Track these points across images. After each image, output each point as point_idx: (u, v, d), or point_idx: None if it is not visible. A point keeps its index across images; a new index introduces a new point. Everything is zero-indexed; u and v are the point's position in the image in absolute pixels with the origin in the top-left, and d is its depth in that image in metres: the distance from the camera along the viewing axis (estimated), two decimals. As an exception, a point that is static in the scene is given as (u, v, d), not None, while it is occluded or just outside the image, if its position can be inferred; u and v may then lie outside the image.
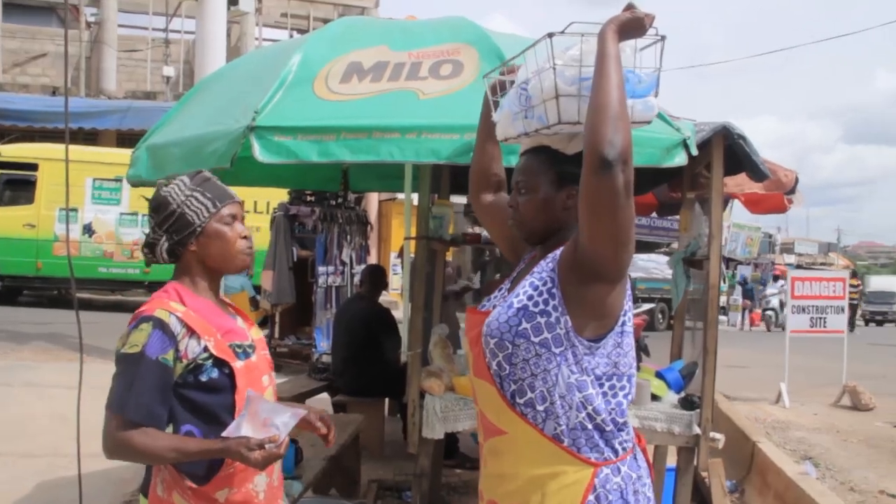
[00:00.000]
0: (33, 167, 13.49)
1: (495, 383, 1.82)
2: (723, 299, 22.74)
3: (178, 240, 2.00)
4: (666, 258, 21.25)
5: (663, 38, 1.84)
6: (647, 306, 10.03)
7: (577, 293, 1.75)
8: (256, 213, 12.54)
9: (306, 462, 4.08)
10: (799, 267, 29.60)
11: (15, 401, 6.98)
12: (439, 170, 3.97)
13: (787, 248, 38.57)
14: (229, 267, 2.06)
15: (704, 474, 4.98)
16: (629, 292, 1.83)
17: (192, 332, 1.93)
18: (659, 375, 4.19)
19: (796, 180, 4.90)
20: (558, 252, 1.84)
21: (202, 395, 1.95)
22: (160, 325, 1.89)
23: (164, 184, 2.06)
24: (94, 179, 13.36)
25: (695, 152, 3.39)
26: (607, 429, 1.79)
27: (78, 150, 12.99)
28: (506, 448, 1.85)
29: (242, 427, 1.89)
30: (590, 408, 1.77)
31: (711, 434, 6.18)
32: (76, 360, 8.87)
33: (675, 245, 23.46)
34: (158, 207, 2.02)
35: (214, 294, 2.09)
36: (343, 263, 8.12)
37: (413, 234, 3.92)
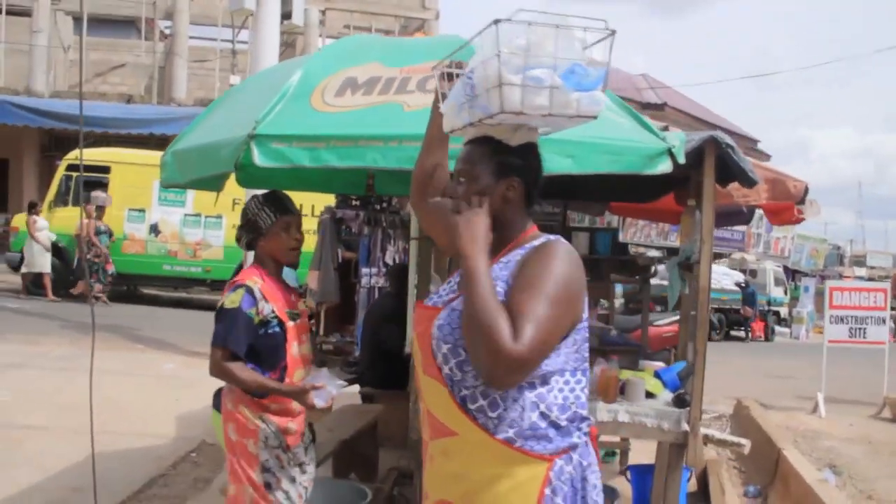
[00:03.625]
0: (106, 170, 14.29)
1: (447, 385, 1.79)
2: (783, 311, 22.31)
3: (252, 237, 2.97)
4: (724, 268, 21.04)
5: (613, 32, 1.80)
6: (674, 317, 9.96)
7: None
8: (301, 215, 12.77)
9: (319, 445, 4.41)
10: (870, 280, 28.73)
11: (74, 384, 7.52)
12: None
13: (859, 261, 37.38)
14: (282, 259, 3.00)
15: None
16: (585, 296, 1.83)
17: (265, 299, 2.87)
18: (657, 375, 4.36)
19: (806, 190, 4.99)
20: (513, 260, 1.83)
21: (265, 342, 2.88)
22: (250, 291, 2.86)
23: (254, 196, 3.02)
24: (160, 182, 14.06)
25: (682, 160, 3.47)
26: (563, 425, 1.79)
27: (146, 155, 13.76)
28: (457, 449, 1.81)
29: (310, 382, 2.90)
30: (542, 406, 1.77)
31: (737, 440, 6.28)
32: (133, 350, 9.57)
33: (736, 255, 23.18)
34: (242, 215, 3.02)
35: (278, 275, 3.01)
36: (386, 265, 8.42)
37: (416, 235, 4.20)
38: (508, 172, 1.87)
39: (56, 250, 14.05)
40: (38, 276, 13.59)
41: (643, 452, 5.57)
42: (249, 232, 2.97)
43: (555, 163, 3.09)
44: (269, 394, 2.88)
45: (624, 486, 5.04)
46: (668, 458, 4.17)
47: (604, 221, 12.24)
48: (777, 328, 22.05)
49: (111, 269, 13.38)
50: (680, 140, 3.58)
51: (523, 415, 1.75)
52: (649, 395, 4.14)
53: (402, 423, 6.25)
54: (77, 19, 19.26)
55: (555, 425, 1.78)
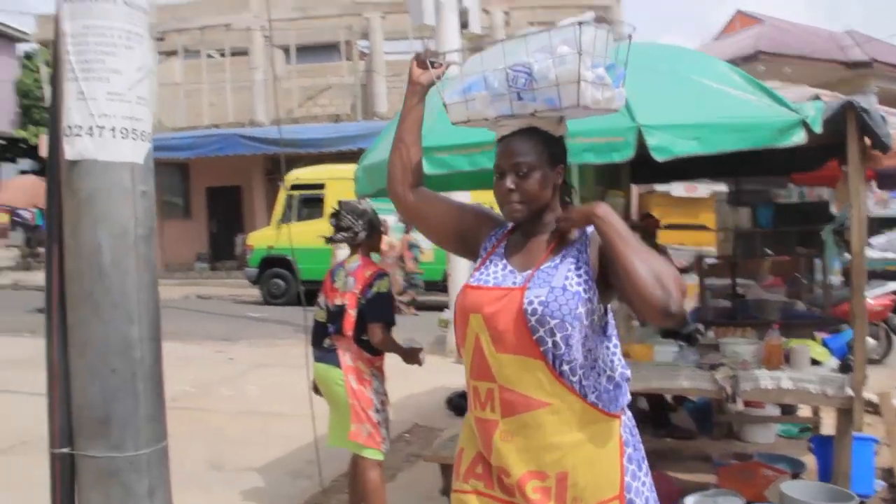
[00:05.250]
0: (321, 186, 15.71)
1: (546, 359, 1.87)
2: None
3: (369, 233, 4.01)
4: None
5: (629, 36, 1.94)
6: (893, 285, 9.25)
7: (607, 287, 1.93)
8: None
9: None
10: None
11: (291, 377, 8.54)
12: (613, 166, 4.25)
13: None
14: (379, 251, 4.18)
15: None
16: None
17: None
18: (825, 344, 4.39)
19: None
20: (587, 240, 1.96)
21: None
22: (388, 278, 3.93)
23: (358, 202, 4.11)
24: (372, 192, 15.22)
25: (818, 130, 3.55)
26: (621, 384, 1.98)
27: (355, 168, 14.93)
28: (548, 419, 1.89)
29: (414, 345, 4.06)
30: (608, 369, 1.96)
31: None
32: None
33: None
34: (364, 214, 4.03)
35: None
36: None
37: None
38: (557, 161, 1.99)
39: (286, 264, 15.68)
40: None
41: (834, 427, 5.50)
42: (369, 229, 4.00)
43: (680, 146, 3.38)
44: (391, 350, 3.92)
45: (812, 460, 5.04)
46: (837, 423, 4.11)
47: (813, 195, 11.76)
48: None
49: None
50: (816, 109, 3.63)
51: (599, 380, 1.93)
52: (816, 363, 4.17)
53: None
54: (286, 51, 21.14)
55: (617, 385, 1.97)
